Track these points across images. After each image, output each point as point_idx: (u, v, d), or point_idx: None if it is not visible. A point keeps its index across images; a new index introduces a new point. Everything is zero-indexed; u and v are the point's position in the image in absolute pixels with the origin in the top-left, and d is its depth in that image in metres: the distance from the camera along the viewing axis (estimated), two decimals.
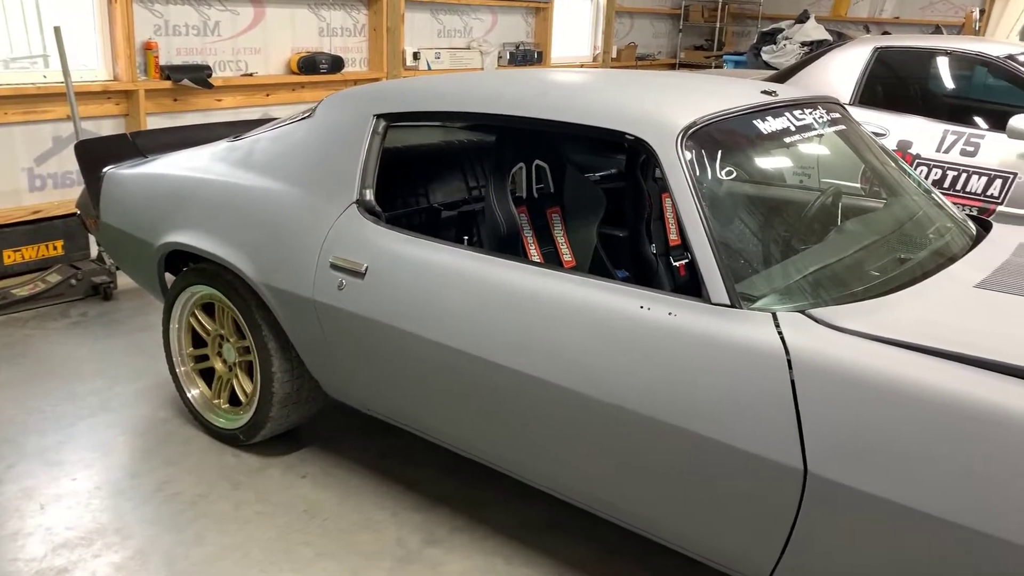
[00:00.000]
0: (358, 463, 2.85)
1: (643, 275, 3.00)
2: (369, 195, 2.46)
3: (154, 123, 5.12)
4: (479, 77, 2.65)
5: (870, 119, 4.41)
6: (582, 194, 2.87)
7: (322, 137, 2.61)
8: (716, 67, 9.82)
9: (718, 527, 1.85)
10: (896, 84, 4.72)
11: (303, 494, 2.67)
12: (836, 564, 1.69)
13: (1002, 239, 2.36)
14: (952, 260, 2.14)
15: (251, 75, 5.70)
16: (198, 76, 5.20)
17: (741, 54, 9.72)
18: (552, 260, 2.76)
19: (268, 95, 5.80)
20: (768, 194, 2.24)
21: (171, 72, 5.12)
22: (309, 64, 5.93)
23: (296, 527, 2.50)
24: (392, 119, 2.52)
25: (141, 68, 5.05)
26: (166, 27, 5.21)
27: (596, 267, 2.91)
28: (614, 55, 9.65)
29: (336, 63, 6.10)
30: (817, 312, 1.77)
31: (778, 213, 2.25)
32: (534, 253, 2.67)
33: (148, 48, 5.06)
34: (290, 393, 2.72)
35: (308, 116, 2.75)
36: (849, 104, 4.54)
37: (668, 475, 1.87)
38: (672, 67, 10.78)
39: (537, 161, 2.78)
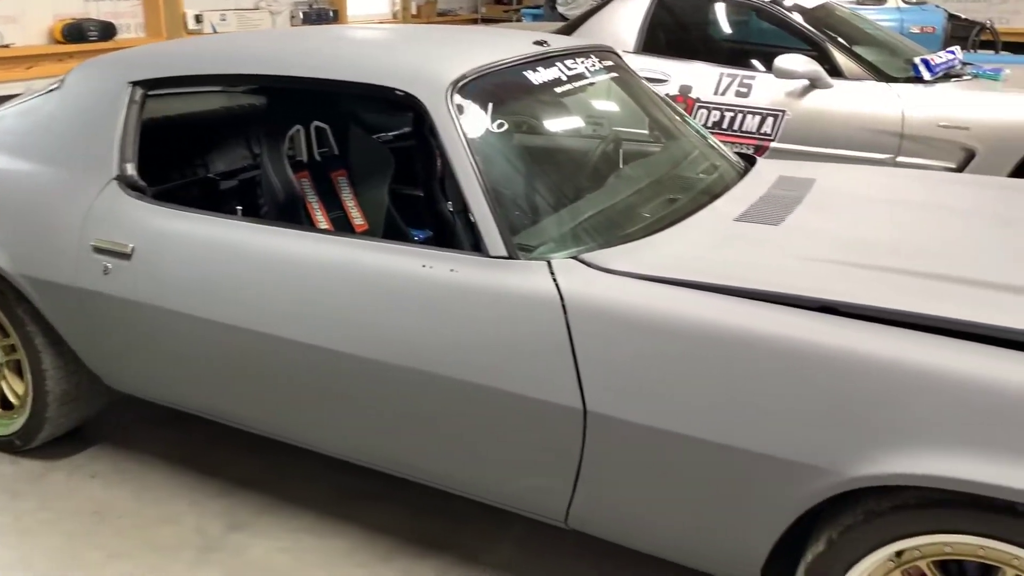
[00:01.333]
0: (154, 455, 2.69)
1: (443, 234, 2.99)
2: (130, 169, 2.28)
3: None
4: (245, 36, 2.51)
5: (653, 66, 4.58)
6: (368, 155, 2.80)
7: (73, 109, 2.40)
8: (516, 20, 9.89)
9: (513, 474, 1.88)
10: (677, 31, 4.92)
11: (93, 495, 2.49)
12: (624, 496, 1.76)
13: (764, 173, 2.51)
14: (718, 197, 2.25)
15: (7, 46, 5.16)
16: None
17: (539, 7, 9.84)
18: (342, 225, 2.69)
19: (29, 68, 5.28)
20: (542, 144, 2.27)
21: None
22: (75, 32, 5.45)
23: (85, 531, 2.33)
24: (150, 86, 2.35)
25: None
26: None
27: (392, 229, 2.86)
28: (414, 11, 9.52)
29: (107, 30, 5.64)
30: (588, 256, 1.82)
31: (553, 162, 2.29)
32: (321, 219, 2.59)
33: None
34: (67, 390, 2.51)
35: (57, 87, 2.51)
36: (633, 52, 4.68)
37: (460, 430, 1.88)
38: (474, 22, 10.77)
39: (316, 122, 2.68)
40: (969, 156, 4.01)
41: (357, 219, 2.72)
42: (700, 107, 4.45)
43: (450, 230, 3.00)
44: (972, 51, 7.94)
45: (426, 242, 2.88)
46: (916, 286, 1.68)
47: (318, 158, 2.68)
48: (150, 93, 2.38)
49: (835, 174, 2.53)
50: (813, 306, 1.61)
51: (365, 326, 1.92)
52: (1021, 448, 1.39)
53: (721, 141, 4.35)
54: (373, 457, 2.10)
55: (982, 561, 1.49)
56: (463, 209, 3.12)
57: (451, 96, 1.99)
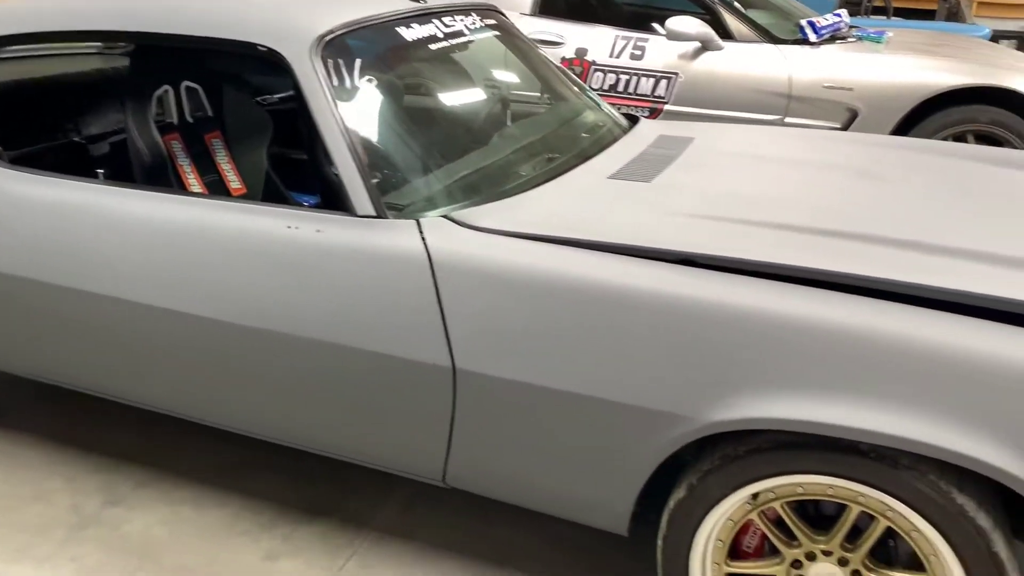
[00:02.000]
0: (28, 433, 2.58)
1: (330, 197, 2.92)
2: None
3: None
4: None
5: (549, 28, 4.56)
6: (245, 116, 2.72)
7: None
8: None
9: (388, 435, 1.86)
10: None
11: None
12: (496, 452, 1.77)
13: (644, 132, 2.53)
14: (596, 156, 2.25)
15: None
16: None
17: None
18: (218, 188, 2.60)
19: None
20: (415, 102, 2.23)
21: None
22: None
23: None
24: None
25: None
26: None
27: (272, 193, 2.78)
28: None
29: None
30: (458, 214, 1.81)
31: (427, 121, 2.26)
32: (193, 182, 2.50)
33: None
34: None
35: None
36: (530, 14, 4.65)
37: (333, 393, 1.86)
38: None
39: (187, 83, 2.58)
40: (853, 116, 4.13)
41: (234, 182, 2.64)
42: (596, 70, 4.46)
43: (336, 193, 2.94)
44: (865, 16, 8.19)
45: (315, 207, 2.81)
46: (775, 238, 1.72)
47: (190, 120, 2.58)
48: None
49: (714, 133, 2.56)
50: (672, 258, 1.64)
51: (232, 291, 1.87)
52: (862, 390, 1.44)
53: (617, 104, 4.40)
54: (249, 425, 2.06)
55: (832, 500, 1.55)
56: (334, 169, 3.07)
57: (317, 52, 1.93)
